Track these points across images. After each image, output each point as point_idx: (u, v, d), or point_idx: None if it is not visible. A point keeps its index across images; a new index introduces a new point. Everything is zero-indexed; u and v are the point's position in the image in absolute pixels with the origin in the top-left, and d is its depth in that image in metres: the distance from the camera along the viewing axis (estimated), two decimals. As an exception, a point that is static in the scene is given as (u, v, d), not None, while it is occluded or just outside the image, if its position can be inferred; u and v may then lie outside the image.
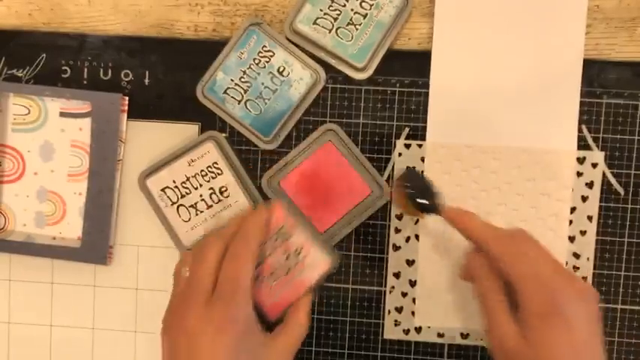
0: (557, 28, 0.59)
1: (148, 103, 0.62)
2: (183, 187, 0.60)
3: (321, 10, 0.59)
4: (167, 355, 0.51)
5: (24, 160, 0.63)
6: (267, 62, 0.60)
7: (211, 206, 0.60)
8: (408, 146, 0.60)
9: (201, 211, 0.61)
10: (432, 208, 0.55)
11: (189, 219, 0.61)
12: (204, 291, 0.51)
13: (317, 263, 0.56)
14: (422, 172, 0.59)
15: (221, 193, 0.60)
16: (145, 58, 0.62)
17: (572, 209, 0.59)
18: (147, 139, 0.62)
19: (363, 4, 0.59)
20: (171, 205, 0.61)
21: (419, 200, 0.56)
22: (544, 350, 0.48)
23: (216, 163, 0.60)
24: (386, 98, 0.60)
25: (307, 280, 0.56)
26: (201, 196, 0.60)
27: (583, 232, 0.60)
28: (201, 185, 0.60)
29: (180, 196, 0.61)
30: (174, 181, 0.60)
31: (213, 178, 0.60)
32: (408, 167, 0.59)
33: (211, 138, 0.60)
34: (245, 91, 0.60)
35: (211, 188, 0.60)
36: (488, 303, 0.51)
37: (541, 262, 0.50)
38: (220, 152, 0.60)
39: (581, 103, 0.59)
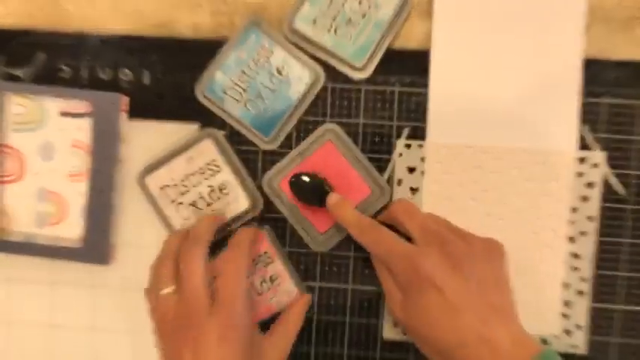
0: (556, 27, 0.58)
1: (147, 103, 0.62)
2: (182, 184, 0.61)
3: (320, 10, 0.59)
4: None
5: (24, 160, 0.63)
6: (267, 62, 0.60)
7: (210, 204, 0.61)
8: (408, 146, 0.60)
9: (201, 209, 0.61)
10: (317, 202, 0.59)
11: (189, 217, 0.61)
12: (205, 305, 0.52)
13: (288, 294, 0.61)
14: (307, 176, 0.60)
15: (220, 190, 0.60)
16: (145, 57, 0.62)
17: (573, 210, 0.59)
18: (147, 139, 0.62)
19: (362, 3, 0.59)
20: (171, 203, 0.61)
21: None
22: (421, 317, 0.52)
23: (214, 160, 0.60)
24: (385, 98, 0.60)
25: (275, 306, 0.61)
26: (200, 193, 0.61)
27: (583, 233, 0.59)
28: (200, 183, 0.60)
29: (179, 194, 0.61)
30: (173, 179, 0.61)
31: (212, 175, 0.60)
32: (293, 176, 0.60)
33: (209, 135, 0.60)
34: (244, 91, 0.60)
35: (210, 186, 0.60)
36: (380, 278, 0.57)
37: (391, 241, 0.54)
38: (219, 149, 0.60)
39: (582, 104, 0.59)
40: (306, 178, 0.59)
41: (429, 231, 0.54)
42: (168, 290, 0.54)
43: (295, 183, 0.59)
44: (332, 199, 0.58)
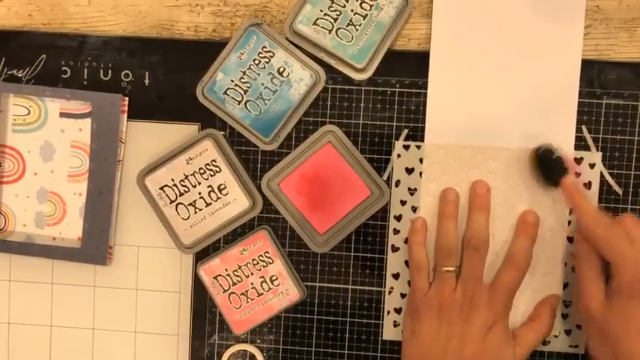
0: (556, 28, 0.59)
1: (148, 104, 0.62)
2: (182, 185, 0.61)
3: (321, 11, 0.59)
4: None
5: (24, 161, 0.63)
6: (267, 63, 0.60)
7: (210, 204, 0.61)
8: (406, 147, 0.60)
9: (200, 209, 0.61)
10: (555, 175, 0.58)
11: (188, 217, 0.61)
12: (481, 295, 0.57)
13: (288, 293, 0.61)
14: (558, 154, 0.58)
15: (220, 190, 0.60)
16: (145, 58, 0.62)
17: (571, 210, 0.59)
18: (147, 140, 0.62)
19: (363, 4, 0.59)
20: (170, 203, 0.61)
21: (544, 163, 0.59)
22: (622, 321, 0.52)
23: (214, 160, 0.60)
24: (386, 99, 0.60)
25: (276, 306, 0.61)
26: (199, 194, 0.61)
27: (582, 233, 0.60)
28: (199, 183, 0.60)
29: (178, 194, 0.61)
30: (172, 180, 0.61)
31: (211, 175, 0.60)
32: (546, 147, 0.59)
33: (209, 136, 0.60)
34: (245, 92, 0.60)
35: (210, 186, 0.60)
36: (581, 272, 0.56)
37: (626, 243, 0.53)
38: (218, 150, 0.60)
39: (581, 104, 0.59)
40: (554, 153, 0.58)
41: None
42: (450, 269, 0.57)
43: (543, 155, 0.58)
44: (569, 179, 0.58)
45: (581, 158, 0.59)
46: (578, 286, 0.56)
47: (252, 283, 0.61)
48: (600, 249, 0.54)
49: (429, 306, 0.57)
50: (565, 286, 0.60)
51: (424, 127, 0.60)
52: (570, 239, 0.59)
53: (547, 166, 0.58)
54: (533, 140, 0.59)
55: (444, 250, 0.58)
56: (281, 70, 0.60)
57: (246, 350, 0.62)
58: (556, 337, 0.60)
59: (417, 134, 0.60)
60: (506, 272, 0.57)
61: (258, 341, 0.62)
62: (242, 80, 0.60)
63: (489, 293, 0.57)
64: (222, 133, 0.61)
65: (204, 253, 0.62)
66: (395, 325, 0.61)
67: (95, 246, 0.62)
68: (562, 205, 0.59)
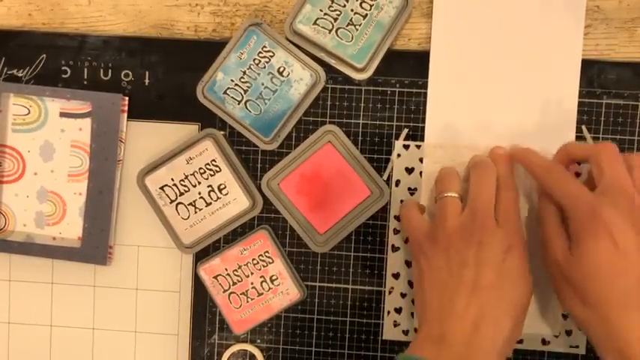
0: (556, 28, 0.59)
1: (148, 104, 0.62)
2: (182, 184, 0.61)
3: (321, 11, 0.59)
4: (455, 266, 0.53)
5: (24, 161, 0.63)
6: (267, 63, 0.60)
7: (210, 204, 0.61)
8: (406, 147, 0.60)
9: (200, 209, 0.61)
10: None
11: (188, 217, 0.61)
12: (492, 217, 0.53)
13: (288, 293, 0.61)
14: None
15: (219, 190, 0.60)
16: (145, 58, 0.62)
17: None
18: (147, 140, 0.62)
19: (363, 4, 0.59)
20: (170, 203, 0.61)
21: None
22: (588, 261, 0.50)
23: (214, 160, 0.60)
24: (386, 99, 0.60)
25: (276, 306, 0.61)
26: (199, 193, 0.61)
27: (583, 233, 0.59)
28: (199, 183, 0.60)
29: (178, 194, 0.61)
30: (172, 179, 0.61)
31: (211, 175, 0.60)
32: None
33: (209, 135, 0.60)
34: (245, 92, 0.60)
35: (210, 186, 0.60)
36: (543, 228, 0.55)
37: (575, 185, 0.53)
38: (219, 149, 0.60)
39: (581, 104, 0.59)
40: None
41: (620, 187, 0.51)
42: (453, 194, 0.55)
43: None
44: (497, 149, 0.58)
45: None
46: (543, 245, 0.55)
47: (252, 283, 0.61)
48: (555, 195, 0.53)
49: (432, 238, 0.54)
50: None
51: (424, 126, 0.60)
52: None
53: None
54: (533, 140, 0.59)
55: (444, 179, 0.56)
56: (281, 69, 0.60)
57: (246, 350, 0.62)
58: (556, 337, 0.60)
59: (416, 134, 0.60)
60: (504, 194, 0.55)
61: (258, 341, 0.62)
62: (242, 80, 0.60)
63: (499, 217, 0.54)
64: (222, 132, 0.61)
65: (204, 253, 0.62)
66: (395, 325, 0.61)
67: (95, 246, 0.62)
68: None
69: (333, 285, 0.62)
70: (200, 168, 0.60)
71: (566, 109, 0.59)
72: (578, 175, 0.59)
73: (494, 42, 0.59)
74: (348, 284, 0.62)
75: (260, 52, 0.60)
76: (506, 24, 0.59)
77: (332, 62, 0.59)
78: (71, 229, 0.63)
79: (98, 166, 0.61)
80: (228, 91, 0.60)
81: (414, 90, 0.60)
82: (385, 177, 0.61)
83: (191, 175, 0.60)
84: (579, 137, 0.59)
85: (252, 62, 0.60)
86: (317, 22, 0.59)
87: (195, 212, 0.61)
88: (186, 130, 0.62)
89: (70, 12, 0.62)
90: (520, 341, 0.60)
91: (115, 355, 0.64)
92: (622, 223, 0.50)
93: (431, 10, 0.59)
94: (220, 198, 0.60)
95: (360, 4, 0.59)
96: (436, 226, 0.54)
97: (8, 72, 0.62)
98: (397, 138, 0.60)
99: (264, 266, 0.61)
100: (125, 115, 0.61)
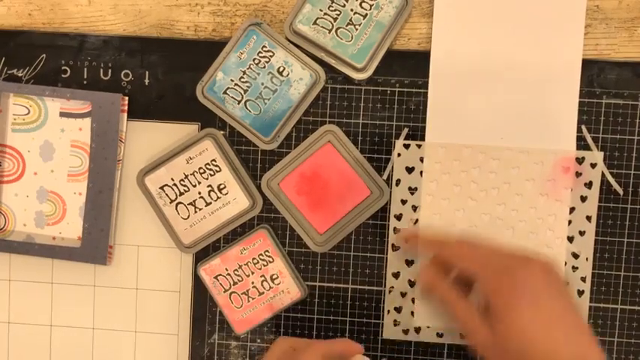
0: (556, 28, 0.59)
1: (147, 103, 0.62)
2: (182, 184, 0.61)
3: (320, 11, 0.59)
4: None
5: (24, 160, 0.63)
6: (267, 62, 0.60)
7: (210, 203, 0.61)
8: (407, 146, 0.60)
9: (200, 209, 0.61)
10: None
11: (188, 216, 0.61)
12: None
13: (289, 292, 0.61)
14: None
15: (219, 190, 0.60)
16: (145, 58, 0.62)
17: (572, 209, 0.59)
18: (147, 139, 0.62)
19: (363, 4, 0.59)
20: (170, 202, 0.61)
21: None
22: (513, 332, 0.49)
23: (214, 160, 0.60)
24: (385, 98, 0.60)
25: (277, 305, 0.61)
26: (199, 193, 0.61)
27: (582, 233, 0.60)
28: (199, 183, 0.60)
29: (178, 194, 0.61)
30: (172, 179, 0.61)
31: (211, 175, 0.60)
32: None
33: (209, 135, 0.60)
34: (245, 92, 0.60)
35: (209, 185, 0.60)
36: (452, 307, 0.54)
37: (490, 254, 0.53)
38: (218, 149, 0.60)
39: (581, 104, 0.59)
40: None
41: (496, 264, 0.52)
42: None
43: None
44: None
45: (583, 158, 0.59)
46: (457, 321, 0.54)
47: (252, 282, 0.61)
48: (461, 270, 0.54)
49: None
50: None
51: (424, 126, 0.60)
52: (571, 239, 0.59)
53: None
54: (533, 140, 0.59)
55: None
56: (281, 69, 0.60)
57: (246, 350, 0.62)
58: None
59: (416, 134, 0.60)
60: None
61: (259, 340, 0.62)
62: (242, 80, 0.60)
63: None
64: (222, 132, 0.61)
65: (204, 253, 0.62)
66: (395, 325, 0.61)
67: (95, 245, 0.62)
68: (561, 204, 0.59)
69: (333, 285, 0.62)
70: (200, 168, 0.60)
71: (566, 109, 0.59)
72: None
73: (494, 42, 0.59)
74: (348, 283, 0.62)
75: (260, 52, 0.60)
76: (506, 24, 0.59)
77: (332, 62, 0.59)
78: (71, 229, 0.63)
79: (98, 166, 0.61)
80: (228, 91, 0.60)
81: (414, 90, 0.60)
82: (385, 176, 0.61)
83: (191, 174, 0.61)
84: (579, 137, 0.59)
85: (252, 62, 0.60)
86: (317, 21, 0.59)
87: (195, 212, 0.61)
88: (186, 130, 0.62)
89: (70, 12, 0.62)
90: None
91: (115, 355, 0.64)
92: (539, 283, 0.50)
93: (431, 10, 0.59)
94: (220, 198, 0.60)
95: (360, 3, 0.59)
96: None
97: (8, 72, 0.62)
98: (397, 138, 0.61)
99: (264, 265, 0.61)
100: (125, 114, 0.61)
